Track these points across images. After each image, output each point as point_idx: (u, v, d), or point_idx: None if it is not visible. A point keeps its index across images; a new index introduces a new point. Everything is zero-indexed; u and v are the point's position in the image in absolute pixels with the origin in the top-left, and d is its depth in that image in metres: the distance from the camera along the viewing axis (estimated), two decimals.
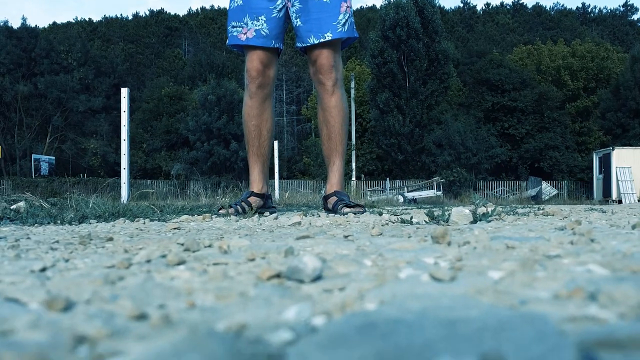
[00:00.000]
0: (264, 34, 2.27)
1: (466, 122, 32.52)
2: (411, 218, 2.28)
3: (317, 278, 0.75)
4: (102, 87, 42.39)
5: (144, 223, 2.21)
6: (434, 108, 33.49)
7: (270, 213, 2.41)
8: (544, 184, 30.48)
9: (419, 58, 32.84)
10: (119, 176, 26.09)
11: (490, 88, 34.71)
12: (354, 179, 32.23)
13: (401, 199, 25.91)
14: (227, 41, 2.40)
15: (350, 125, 32.26)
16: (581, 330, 0.47)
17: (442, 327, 0.45)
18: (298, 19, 2.25)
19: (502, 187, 32.49)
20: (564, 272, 0.79)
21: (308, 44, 2.26)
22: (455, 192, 30.31)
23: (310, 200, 6.82)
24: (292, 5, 2.27)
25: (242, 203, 2.34)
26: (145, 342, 0.46)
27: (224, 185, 30.68)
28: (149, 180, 34.52)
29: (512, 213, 3.31)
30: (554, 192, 30.90)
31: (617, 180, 27.23)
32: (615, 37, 65.73)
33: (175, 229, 1.94)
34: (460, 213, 2.22)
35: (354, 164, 32.58)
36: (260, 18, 2.27)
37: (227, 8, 2.44)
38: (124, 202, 3.98)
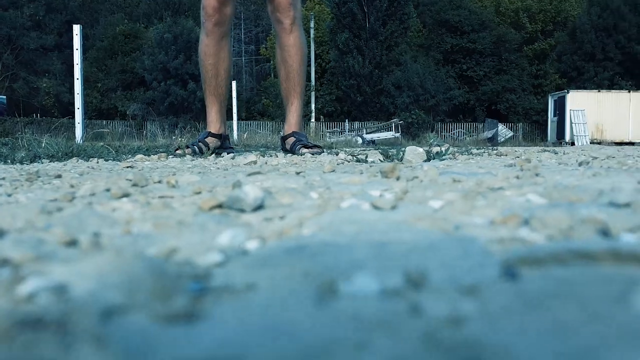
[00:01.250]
0: None
1: (425, 64, 32.49)
2: (366, 157, 2.29)
3: (259, 207, 0.74)
4: (54, 24, 40.91)
5: (97, 162, 2.17)
6: (393, 49, 33.31)
7: (228, 153, 2.38)
8: (500, 126, 30.88)
9: None
10: (73, 116, 25.42)
11: (450, 30, 34.59)
12: (313, 120, 32.20)
13: (360, 141, 26.03)
14: None
15: (309, 65, 31.97)
16: (508, 250, 0.48)
17: (372, 248, 0.46)
18: None
19: (460, 129, 32.82)
20: (504, 202, 0.80)
21: None
22: (414, 134, 30.52)
23: (269, 142, 6.79)
24: None
25: (200, 143, 2.31)
26: (70, 265, 0.45)
27: (182, 125, 30.28)
28: (104, 121, 33.84)
29: (466, 153, 3.35)
30: (510, 134, 31.35)
31: (571, 123, 27.73)
32: None
33: (128, 167, 1.91)
34: (414, 152, 2.24)
35: (313, 105, 32.49)
36: None
37: None
38: (79, 142, 3.90)
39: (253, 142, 5.55)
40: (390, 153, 2.24)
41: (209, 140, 2.33)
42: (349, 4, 32.45)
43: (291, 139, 2.27)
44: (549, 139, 30.19)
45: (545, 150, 4.83)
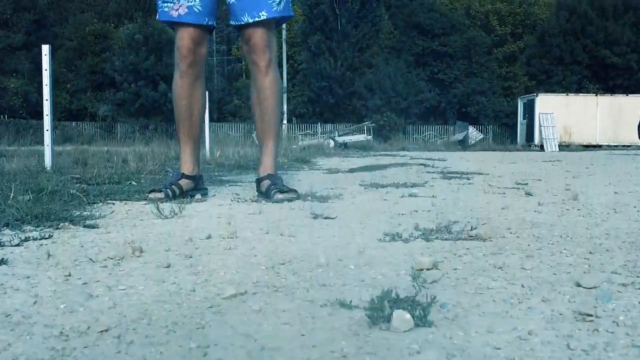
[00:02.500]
0: (197, 10, 2.22)
1: (397, 67, 32.68)
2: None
3: None
4: (22, 22, 40.26)
5: (62, 241, 1.97)
6: (365, 51, 33.45)
7: (202, 195, 2.42)
8: (471, 129, 31.18)
9: (350, 0, 32.56)
10: (41, 118, 25.08)
11: (421, 32, 34.83)
12: (285, 122, 32.22)
13: (332, 144, 26.13)
14: (157, 15, 2.33)
15: (281, 66, 31.94)
16: None
17: None
18: None
19: (431, 132, 33.09)
20: None
21: (242, 23, 2.22)
22: (385, 136, 30.71)
23: (242, 157, 6.74)
24: None
25: (173, 186, 2.33)
26: None
27: (153, 127, 30.13)
28: (74, 122, 33.46)
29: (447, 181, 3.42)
30: (480, 136, 31.69)
31: (540, 126, 28.16)
32: None
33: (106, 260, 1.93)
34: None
35: (285, 107, 32.50)
36: None
37: None
38: (48, 167, 3.88)
39: (225, 158, 5.51)
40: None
41: (183, 182, 2.36)
42: (321, 5, 32.52)
43: (266, 182, 2.31)
44: (518, 141, 30.61)
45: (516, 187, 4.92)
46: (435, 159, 8.19)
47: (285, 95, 32.41)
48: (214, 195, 2.52)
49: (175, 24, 2.30)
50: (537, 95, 29.01)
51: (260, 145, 2.43)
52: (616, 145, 28.00)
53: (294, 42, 35.39)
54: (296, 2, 33.86)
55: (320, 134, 28.37)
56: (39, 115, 33.39)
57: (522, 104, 30.53)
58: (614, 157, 10.02)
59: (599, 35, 32.20)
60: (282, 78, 31.16)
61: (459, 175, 4.15)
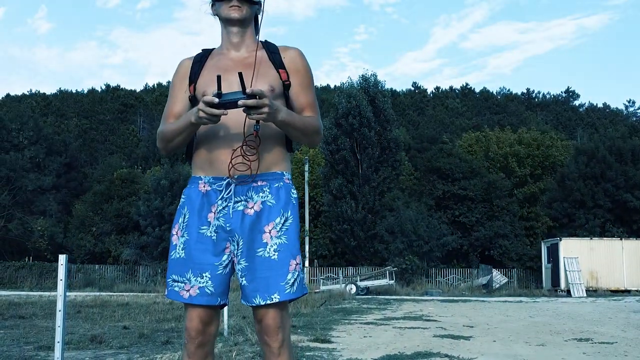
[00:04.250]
0: (209, 292, 2.18)
1: (418, 210, 32.91)
2: None
3: None
4: (53, 165, 41.71)
5: None
6: (385, 195, 33.88)
7: None
8: (495, 272, 30.79)
9: (371, 146, 33.43)
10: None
11: (441, 176, 35.37)
12: (307, 265, 32.11)
13: (354, 289, 25.86)
14: (167, 293, 2.29)
15: (302, 208, 32.25)
16: None
17: None
18: (243, 278, 2.17)
19: (454, 275, 32.66)
20: None
21: (254, 304, 2.18)
22: (408, 280, 30.36)
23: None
24: (238, 263, 2.19)
25: None
26: None
27: None
28: (97, 265, 33.64)
29: None
30: (504, 280, 31.21)
31: (565, 271, 27.71)
32: (559, 122, 68.29)
33: None
34: None
35: (307, 248, 32.50)
36: (204, 275, 2.18)
37: (168, 256, 2.33)
38: None
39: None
40: None
41: None
42: (342, 151, 33.37)
43: None
44: (544, 285, 30.02)
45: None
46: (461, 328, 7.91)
47: (307, 238, 32.53)
48: None
49: (185, 304, 2.26)
50: (560, 239, 28.79)
51: None
52: None
53: (316, 184, 36.02)
54: (319, 147, 34.86)
55: (342, 278, 28.10)
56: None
57: (545, 248, 30.23)
58: None
59: (619, 179, 32.40)
60: (304, 219, 31.35)
61: None
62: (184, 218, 2.23)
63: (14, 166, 39.45)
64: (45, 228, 36.56)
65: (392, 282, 27.39)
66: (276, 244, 2.16)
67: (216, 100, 1.98)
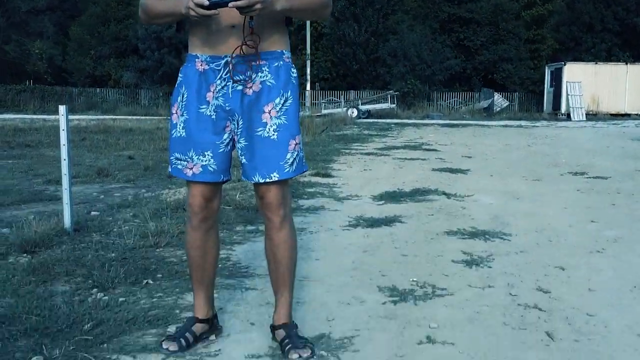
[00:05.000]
0: (211, 169, 2.19)
1: (422, 33, 32.17)
2: None
3: None
4: None
5: None
6: (389, 17, 32.96)
7: (216, 336, 2.43)
8: (497, 96, 30.81)
9: None
10: (66, 85, 25.27)
11: None
12: (308, 88, 32.04)
13: (355, 113, 26.04)
14: (170, 170, 2.33)
15: (304, 30, 31.56)
16: None
17: None
18: (243, 157, 2.18)
19: (456, 99, 32.72)
20: None
21: (253, 181, 2.22)
22: (409, 103, 30.48)
23: None
24: (238, 142, 2.20)
25: (187, 334, 2.34)
26: None
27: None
28: (98, 89, 33.60)
29: None
30: (506, 103, 31.33)
31: (567, 94, 27.72)
32: None
33: None
34: None
35: (308, 71, 32.25)
36: (206, 153, 2.19)
37: (169, 134, 2.34)
38: (67, 227, 3.90)
39: (249, 201, 5.22)
40: None
41: (196, 328, 2.37)
42: None
43: (281, 333, 2.31)
44: (544, 109, 30.19)
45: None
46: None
47: (308, 62, 32.17)
48: (228, 334, 2.47)
49: (187, 181, 2.29)
50: (565, 64, 28.49)
51: (275, 294, 2.41)
52: None
53: None
54: None
55: (344, 102, 28.17)
56: (64, 81, 33.65)
57: (549, 72, 30.01)
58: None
59: (630, 2, 31.36)
60: (305, 42, 30.80)
61: None
62: (182, 97, 2.19)
63: None
64: (43, 50, 36.06)
65: (393, 105, 27.52)
66: (276, 124, 2.14)
67: (206, 2, 1.89)
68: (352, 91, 32.41)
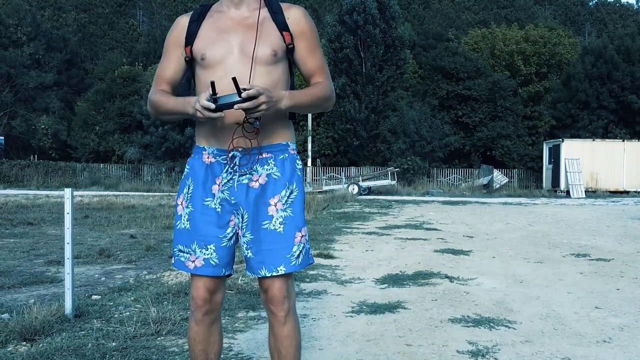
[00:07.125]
0: (214, 263, 2.20)
1: (421, 110, 32.71)
2: None
3: None
4: (54, 62, 41.21)
5: None
6: (389, 94, 33.60)
7: None
8: (496, 172, 31.03)
9: (375, 44, 32.80)
10: (70, 160, 25.54)
11: (445, 76, 34.92)
12: (309, 164, 32.34)
13: (356, 189, 26.16)
14: (173, 263, 2.33)
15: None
16: None
17: None
18: (249, 251, 2.19)
19: (455, 175, 32.92)
20: None
21: (259, 276, 2.22)
22: (409, 180, 30.64)
23: None
24: (243, 236, 2.21)
25: None
26: None
27: (178, 169, 30.34)
28: (101, 164, 33.90)
29: None
30: (505, 180, 31.50)
31: (566, 172, 27.93)
32: (567, 17, 66.70)
33: None
34: None
35: (309, 147, 32.62)
36: (209, 247, 2.20)
37: (173, 226, 2.35)
38: (68, 313, 3.87)
39: (250, 287, 5.25)
40: None
41: None
42: (346, 50, 32.80)
43: None
44: (544, 186, 30.35)
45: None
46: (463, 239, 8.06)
47: (309, 138, 32.59)
48: None
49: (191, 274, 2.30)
50: (563, 141, 28.83)
51: None
52: None
53: None
54: (322, 45, 34.20)
55: (345, 178, 28.33)
56: (68, 156, 33.94)
57: (547, 149, 30.33)
58: None
59: (625, 80, 32.01)
60: (306, 118, 31.24)
61: None
62: (189, 189, 2.22)
63: (14, 63, 39.00)
64: (48, 125, 36.59)
65: (393, 182, 27.66)
66: (282, 216, 2.16)
67: (212, 106, 1.95)
68: (352, 167, 32.69)
